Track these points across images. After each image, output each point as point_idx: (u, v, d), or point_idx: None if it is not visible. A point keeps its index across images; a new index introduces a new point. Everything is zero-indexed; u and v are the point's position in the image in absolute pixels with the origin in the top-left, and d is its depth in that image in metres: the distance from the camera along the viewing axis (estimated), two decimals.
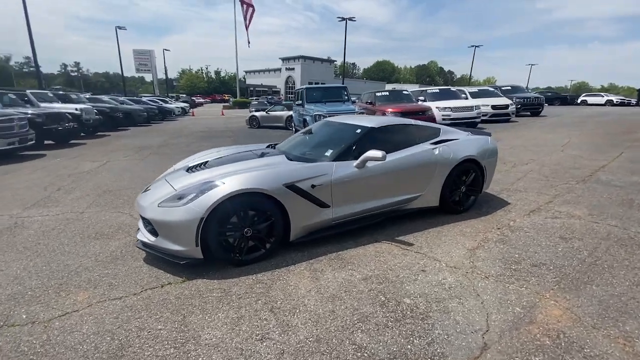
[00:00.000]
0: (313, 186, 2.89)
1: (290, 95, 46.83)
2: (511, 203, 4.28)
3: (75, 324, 2.05)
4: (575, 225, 3.46)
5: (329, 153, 3.28)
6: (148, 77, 59.34)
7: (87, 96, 16.38)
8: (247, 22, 34.67)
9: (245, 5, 34.42)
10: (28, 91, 11.30)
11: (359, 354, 1.78)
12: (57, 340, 1.91)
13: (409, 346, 1.84)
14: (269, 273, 2.64)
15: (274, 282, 2.50)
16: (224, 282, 2.52)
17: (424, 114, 10.31)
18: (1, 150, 7.40)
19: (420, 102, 12.37)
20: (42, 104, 11.35)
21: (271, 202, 2.72)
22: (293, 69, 56.11)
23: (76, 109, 11.74)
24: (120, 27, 31.61)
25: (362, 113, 10.56)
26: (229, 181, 2.63)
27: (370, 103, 11.93)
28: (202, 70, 73.08)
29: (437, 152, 3.62)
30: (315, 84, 57.21)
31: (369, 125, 3.56)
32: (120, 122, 15.23)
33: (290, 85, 55.71)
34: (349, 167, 3.12)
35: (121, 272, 2.67)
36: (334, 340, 1.89)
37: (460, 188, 3.86)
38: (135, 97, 24.07)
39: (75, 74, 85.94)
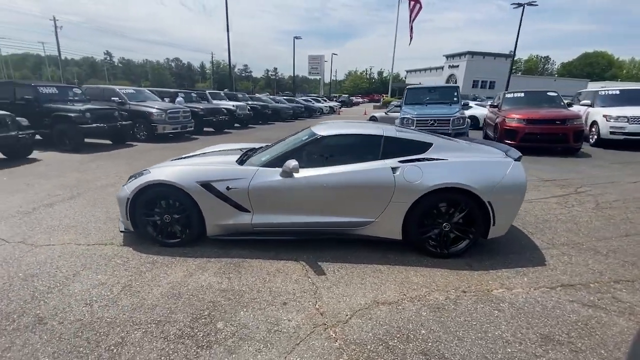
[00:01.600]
0: (228, 188, 2.94)
1: None
2: (546, 264, 2.84)
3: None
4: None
5: (264, 158, 3.18)
6: (325, 79, 68.45)
7: (256, 95, 20.66)
8: (412, 19, 33.91)
9: (412, 2, 33.72)
10: (207, 92, 15.42)
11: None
12: None
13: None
14: (167, 258, 2.92)
15: (158, 266, 2.78)
16: (136, 253, 3.00)
17: (564, 123, 7.60)
18: (170, 132, 10.59)
19: (574, 108, 9.14)
20: (215, 101, 15.28)
21: (187, 197, 2.97)
22: (457, 66, 51.15)
23: (233, 106, 15.09)
24: (297, 37, 37.63)
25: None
26: (155, 171, 3.06)
27: (496, 107, 9.77)
28: (365, 71, 77.37)
29: (397, 172, 2.85)
30: (482, 82, 50.14)
31: (319, 134, 3.19)
32: (269, 117, 18.44)
33: (452, 83, 51.14)
34: (274, 175, 2.95)
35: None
36: (125, 323, 2.02)
37: (442, 225, 2.90)
38: (292, 97, 28.21)
39: (273, 77, 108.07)
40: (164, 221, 3.07)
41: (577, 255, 3.02)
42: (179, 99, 12.59)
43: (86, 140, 8.70)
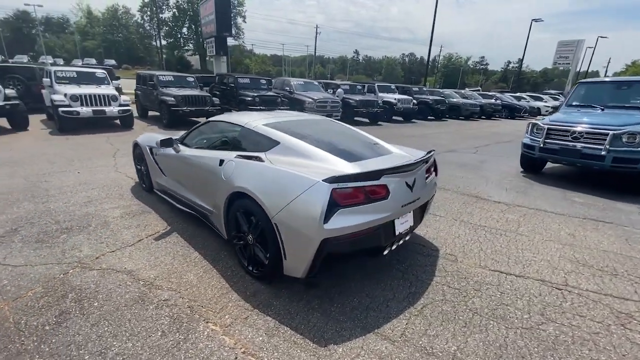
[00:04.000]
0: (155, 154, 3.77)
1: None
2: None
3: None
4: None
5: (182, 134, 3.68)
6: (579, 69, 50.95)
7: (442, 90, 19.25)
8: None
9: None
10: (376, 84, 16.10)
11: None
12: None
13: None
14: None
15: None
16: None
17: None
18: None
19: None
20: (381, 94, 15.79)
21: (142, 153, 4.07)
22: None
23: (395, 99, 15.05)
24: (536, 20, 30.10)
25: None
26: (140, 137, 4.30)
27: None
28: None
29: (222, 166, 2.64)
30: None
31: (210, 119, 3.31)
32: (441, 113, 16.88)
33: None
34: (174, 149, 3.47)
35: None
36: None
37: (247, 237, 2.47)
38: (491, 93, 23.58)
39: (515, 69, 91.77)
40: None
41: None
42: (339, 90, 14.04)
43: None
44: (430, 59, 28.09)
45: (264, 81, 13.07)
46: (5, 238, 2.96)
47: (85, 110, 8.36)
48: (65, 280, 2.39)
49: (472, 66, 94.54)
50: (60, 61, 36.74)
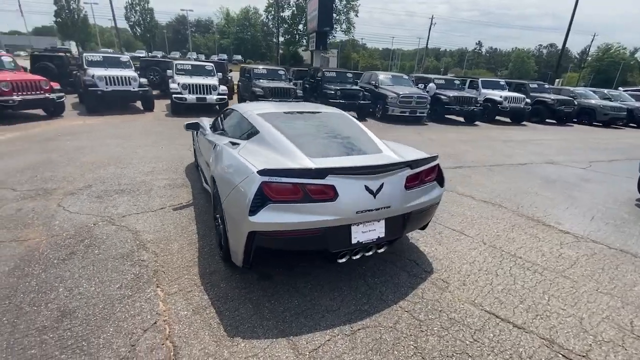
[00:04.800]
0: (197, 135, 4.28)
1: None
2: None
3: None
4: None
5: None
6: None
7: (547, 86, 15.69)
8: None
9: None
10: (480, 80, 14.20)
11: None
12: None
13: None
14: None
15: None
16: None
17: None
18: (399, 114, 11.68)
19: None
20: (484, 90, 13.88)
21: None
22: None
23: (500, 97, 13.00)
24: None
25: None
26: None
27: None
28: None
29: (214, 150, 2.83)
30: None
31: (229, 107, 3.52)
32: (565, 116, 13.80)
33: None
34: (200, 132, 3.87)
35: None
36: None
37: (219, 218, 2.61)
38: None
39: None
40: None
41: None
42: (431, 85, 12.91)
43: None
44: (578, 51, 22.87)
45: (350, 75, 13.06)
46: (80, 191, 3.88)
47: (191, 97, 9.99)
48: (91, 230, 3.01)
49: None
50: (202, 56, 44.53)
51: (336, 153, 2.43)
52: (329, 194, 2.02)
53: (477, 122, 12.81)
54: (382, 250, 2.42)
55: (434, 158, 2.51)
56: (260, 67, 12.56)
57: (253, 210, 1.94)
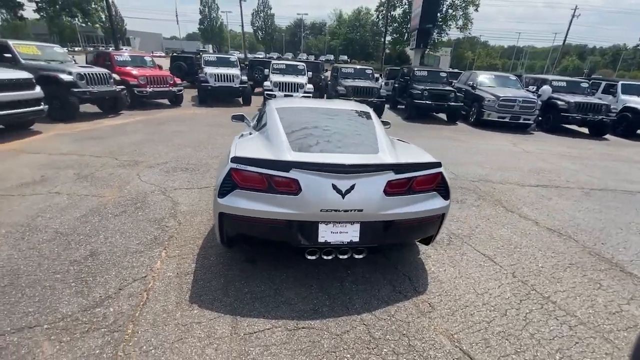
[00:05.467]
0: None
1: None
2: None
3: None
4: None
5: None
6: None
7: None
8: None
9: None
10: (620, 82, 11.23)
11: None
12: None
13: None
14: None
15: None
16: None
17: None
18: (496, 119, 10.26)
19: None
20: (624, 96, 10.95)
21: None
22: None
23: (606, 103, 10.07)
24: None
25: None
26: None
27: None
28: None
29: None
30: None
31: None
32: None
33: None
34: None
35: None
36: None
37: None
38: None
39: None
40: None
41: None
42: (545, 87, 10.85)
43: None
44: None
45: (443, 74, 12.06)
46: (157, 165, 4.77)
47: (279, 94, 10.89)
48: (146, 196, 3.70)
49: None
50: (311, 57, 47.53)
51: (323, 149, 2.39)
52: (293, 188, 2.03)
53: (606, 136, 10.20)
54: (360, 256, 2.28)
55: (433, 165, 2.22)
56: (349, 66, 12.74)
57: (222, 194, 2.11)
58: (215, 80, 11.30)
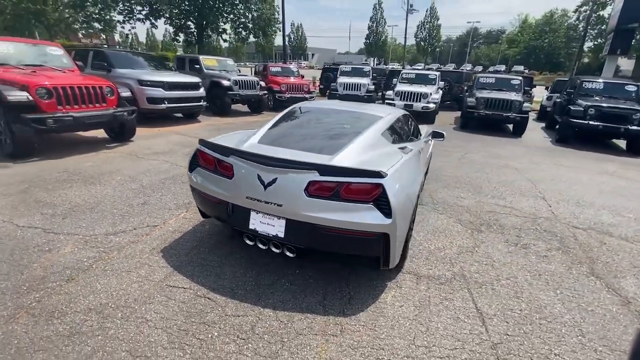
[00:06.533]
0: None
1: None
2: None
3: None
4: None
5: None
6: None
7: None
8: None
9: None
10: None
11: None
12: None
13: None
14: None
15: None
16: None
17: None
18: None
19: None
20: None
21: None
22: None
23: None
24: None
25: None
26: None
27: None
28: None
29: None
30: None
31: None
32: None
33: None
34: None
35: None
36: None
37: None
38: None
39: None
40: None
41: None
42: None
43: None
44: None
45: (632, 88, 8.73)
46: None
47: (399, 103, 10.65)
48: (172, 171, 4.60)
49: None
50: (478, 67, 42.79)
51: (280, 144, 2.46)
52: (228, 172, 2.25)
53: None
54: (291, 254, 2.25)
55: (370, 174, 1.95)
56: (489, 75, 11.06)
57: (191, 169, 2.54)
58: (344, 89, 12.16)
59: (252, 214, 2.23)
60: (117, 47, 33.90)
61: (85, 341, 1.77)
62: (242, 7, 18.99)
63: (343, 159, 2.24)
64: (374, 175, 1.95)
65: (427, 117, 10.67)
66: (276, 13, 20.36)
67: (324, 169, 2.00)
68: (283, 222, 2.14)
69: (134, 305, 2.05)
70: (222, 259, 2.60)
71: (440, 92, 12.56)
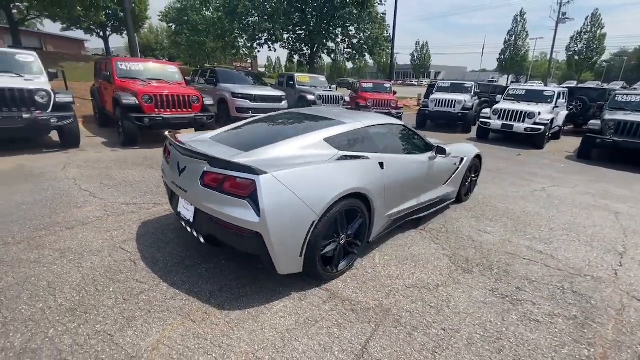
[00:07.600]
0: None
1: None
2: None
3: None
4: None
5: None
6: None
7: None
8: None
9: None
10: None
11: None
12: None
13: None
14: None
15: None
16: None
17: None
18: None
19: None
20: None
21: None
22: None
23: None
24: None
25: None
26: None
27: None
28: None
29: None
30: None
31: None
32: None
33: None
34: None
35: None
36: None
37: None
38: None
39: None
40: None
41: None
42: None
43: None
44: None
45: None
46: None
47: (495, 123, 9.20)
48: None
49: None
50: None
51: (220, 140, 2.67)
52: (167, 157, 2.60)
53: None
54: (203, 241, 2.39)
55: (244, 169, 1.94)
56: (636, 93, 8.28)
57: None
58: (435, 105, 11.30)
59: (181, 199, 2.50)
60: (259, 70, 40.65)
61: (34, 268, 2.38)
62: (354, 29, 20.18)
63: (253, 155, 2.29)
64: (247, 171, 1.94)
65: (532, 141, 8.85)
66: (385, 32, 20.68)
67: (212, 161, 2.11)
68: (193, 208, 2.33)
69: (84, 253, 2.60)
70: (175, 238, 2.96)
71: (562, 113, 10.24)
